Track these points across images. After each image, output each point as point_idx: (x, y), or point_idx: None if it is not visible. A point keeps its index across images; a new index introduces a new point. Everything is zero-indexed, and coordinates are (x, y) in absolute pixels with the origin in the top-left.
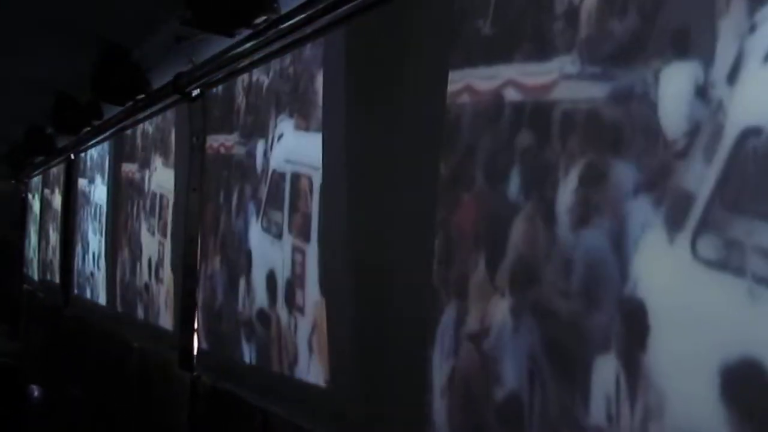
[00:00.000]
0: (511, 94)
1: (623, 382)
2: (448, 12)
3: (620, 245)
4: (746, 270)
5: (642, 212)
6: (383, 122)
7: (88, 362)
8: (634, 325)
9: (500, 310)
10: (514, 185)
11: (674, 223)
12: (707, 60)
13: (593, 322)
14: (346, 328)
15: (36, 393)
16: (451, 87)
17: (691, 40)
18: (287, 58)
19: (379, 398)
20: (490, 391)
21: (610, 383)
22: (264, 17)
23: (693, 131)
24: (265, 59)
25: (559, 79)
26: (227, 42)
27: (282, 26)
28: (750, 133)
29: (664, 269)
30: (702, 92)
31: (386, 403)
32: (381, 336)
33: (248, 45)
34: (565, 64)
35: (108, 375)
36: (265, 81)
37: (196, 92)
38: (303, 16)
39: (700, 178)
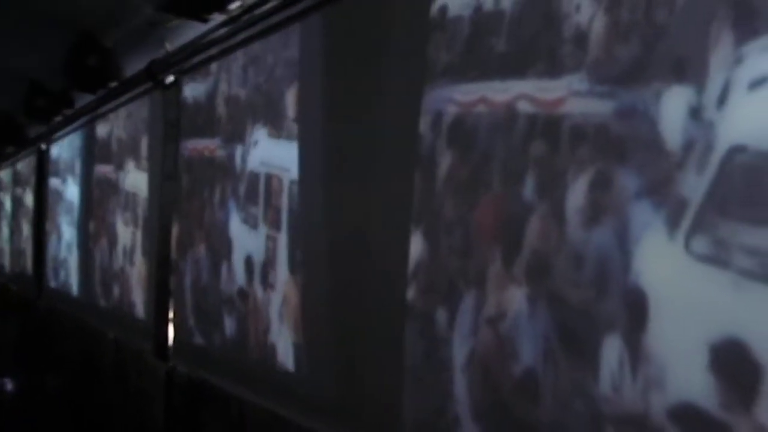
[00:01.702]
0: (525, 107)
1: (627, 359)
2: (426, 13)
3: (624, 242)
4: (732, 264)
5: (643, 214)
6: (359, 117)
7: (63, 353)
8: (636, 311)
9: (517, 297)
10: (528, 188)
11: (671, 224)
12: (700, 86)
13: (601, 308)
14: (321, 316)
15: (9, 386)
16: (467, 97)
17: (686, 68)
18: (262, 76)
19: (355, 383)
20: (508, 367)
21: (615, 360)
22: (239, 2)
23: (688, 146)
24: (240, 45)
25: (569, 95)
26: (201, 28)
27: (257, 12)
28: (736, 150)
29: (662, 263)
30: (695, 113)
31: (361, 388)
32: (356, 322)
33: (223, 31)
34: (574, 82)
35: (82, 366)
36: (243, 94)
37: (170, 79)
38: (278, 1)
39: (694, 186)
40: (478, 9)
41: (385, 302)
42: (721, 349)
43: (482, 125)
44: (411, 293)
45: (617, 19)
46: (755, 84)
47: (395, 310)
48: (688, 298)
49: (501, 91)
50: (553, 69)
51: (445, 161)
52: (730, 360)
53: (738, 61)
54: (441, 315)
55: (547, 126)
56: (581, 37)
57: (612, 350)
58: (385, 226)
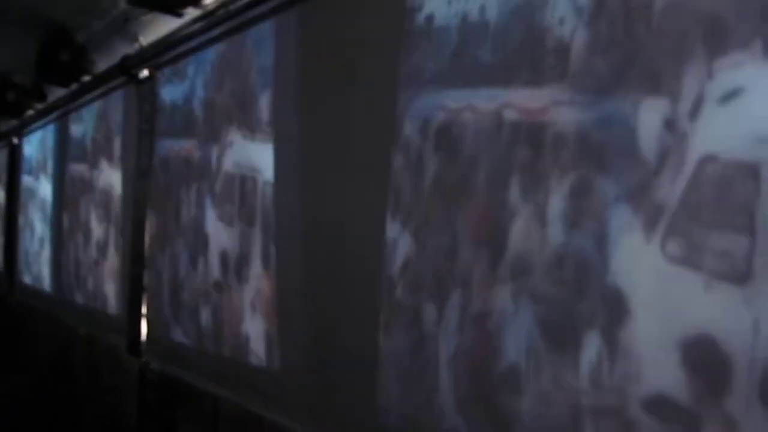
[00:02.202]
0: (510, 115)
1: (605, 354)
2: (401, 16)
3: (603, 244)
4: (703, 266)
5: (622, 218)
6: (334, 118)
7: (35, 349)
8: (614, 308)
9: (501, 296)
10: (513, 192)
11: (648, 228)
12: (675, 98)
13: (581, 306)
14: (296, 311)
15: None
16: (454, 104)
17: (662, 81)
18: (237, 81)
19: (330, 380)
20: (492, 362)
21: (594, 355)
22: None
23: (663, 155)
24: (215, 40)
25: (552, 104)
26: (176, 23)
27: (232, 7)
28: (707, 159)
29: (639, 264)
30: (670, 124)
31: (336, 385)
32: (331, 320)
33: (197, 26)
34: (557, 92)
35: (55, 362)
36: (219, 98)
37: (144, 74)
38: None
39: (669, 192)
40: (464, 19)
41: (361, 297)
42: (693, 345)
43: (469, 131)
44: (398, 291)
45: (598, 33)
46: (725, 98)
47: (371, 306)
48: (663, 297)
49: (487, 100)
50: (537, 79)
51: (432, 165)
52: (701, 355)
53: (710, 75)
54: (428, 312)
55: (531, 133)
56: (563, 49)
57: (591, 346)
58: (361, 223)
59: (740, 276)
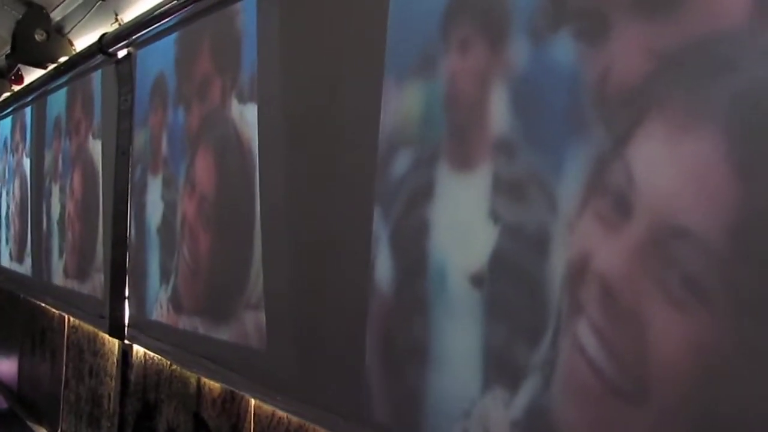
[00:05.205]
0: None
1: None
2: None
3: None
4: None
5: None
6: (319, 91)
7: (15, 332)
8: None
9: None
10: None
11: None
12: None
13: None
14: (282, 291)
15: None
16: None
17: None
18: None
19: (315, 360)
20: None
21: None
22: None
23: None
24: (196, 17)
25: None
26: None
27: None
28: None
29: None
30: None
31: (321, 364)
32: (318, 298)
33: (177, 2)
34: None
35: (36, 344)
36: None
37: (123, 53)
38: None
39: None
40: None
41: (349, 282)
42: None
43: None
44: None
45: None
46: None
47: (359, 290)
48: None
49: None
50: None
51: None
52: None
53: None
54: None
55: None
56: None
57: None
58: (348, 206)
59: None
